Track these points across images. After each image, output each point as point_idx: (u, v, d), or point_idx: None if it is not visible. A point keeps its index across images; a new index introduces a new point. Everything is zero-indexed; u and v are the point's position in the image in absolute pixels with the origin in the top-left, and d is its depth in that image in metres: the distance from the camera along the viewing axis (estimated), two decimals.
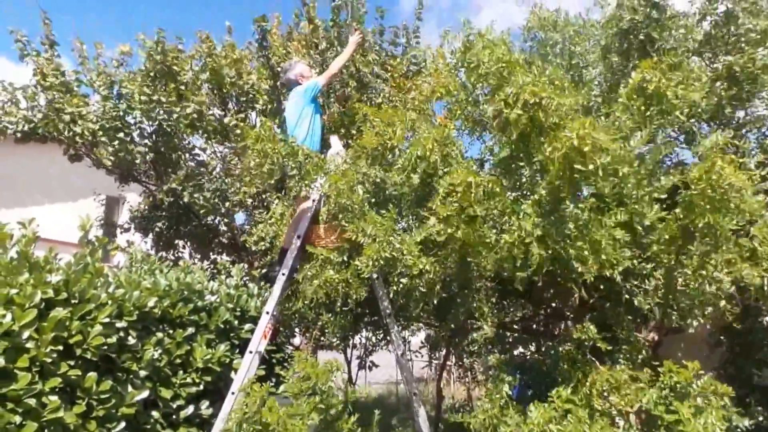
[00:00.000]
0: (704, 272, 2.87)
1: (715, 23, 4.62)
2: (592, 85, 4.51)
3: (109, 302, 3.31)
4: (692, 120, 4.09)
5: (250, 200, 7.42)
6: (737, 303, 3.13)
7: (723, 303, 2.99)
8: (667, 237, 3.02)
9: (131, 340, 3.42)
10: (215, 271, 7.26)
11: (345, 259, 3.56)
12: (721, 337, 5.31)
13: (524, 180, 3.54)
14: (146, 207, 7.69)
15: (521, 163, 3.33)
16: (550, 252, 2.75)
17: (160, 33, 6.74)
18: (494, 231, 2.99)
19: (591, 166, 2.58)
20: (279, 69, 6.58)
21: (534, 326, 5.41)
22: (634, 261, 3.09)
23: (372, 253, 3.10)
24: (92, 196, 9.56)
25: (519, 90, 2.88)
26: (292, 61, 5.34)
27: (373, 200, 3.95)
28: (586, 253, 2.68)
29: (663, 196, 3.24)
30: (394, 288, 3.27)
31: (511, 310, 5.44)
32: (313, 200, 4.37)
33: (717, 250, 2.84)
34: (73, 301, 3.18)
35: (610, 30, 4.53)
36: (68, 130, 6.23)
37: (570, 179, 2.74)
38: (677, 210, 3.00)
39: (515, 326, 5.33)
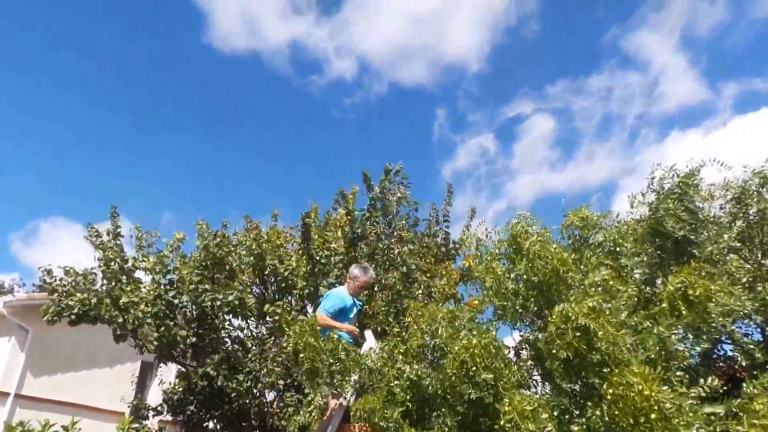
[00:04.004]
0: None
1: (749, 224, 4.80)
2: (630, 280, 4.57)
3: None
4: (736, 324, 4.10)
5: (281, 382, 7.40)
6: None
7: None
8: None
9: None
10: None
11: None
12: None
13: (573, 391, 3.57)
14: (180, 389, 7.72)
15: (566, 384, 3.40)
16: None
17: (224, 226, 7.44)
18: None
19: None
20: (317, 258, 7.05)
21: None
22: None
23: None
24: (129, 362, 9.89)
25: (571, 316, 3.09)
26: (361, 265, 5.48)
27: (407, 398, 3.92)
28: None
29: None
30: None
31: None
32: (345, 397, 4.37)
33: None
34: None
35: (643, 227, 4.73)
36: (120, 316, 6.60)
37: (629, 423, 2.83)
38: None
39: None
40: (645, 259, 4.57)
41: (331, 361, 4.13)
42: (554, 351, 3.41)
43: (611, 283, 3.66)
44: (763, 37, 31.97)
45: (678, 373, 3.36)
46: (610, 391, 2.94)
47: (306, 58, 38.12)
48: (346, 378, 4.14)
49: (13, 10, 27.28)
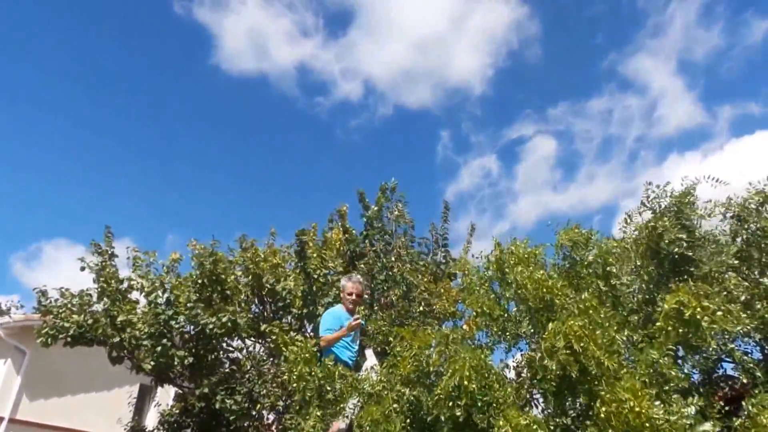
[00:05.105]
0: None
1: (747, 242, 4.80)
2: (628, 298, 4.55)
3: None
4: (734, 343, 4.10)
5: (280, 403, 7.31)
6: None
7: None
8: None
9: None
10: None
11: None
12: None
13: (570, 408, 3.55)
14: (177, 411, 7.63)
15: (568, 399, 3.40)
16: None
17: (214, 244, 7.40)
18: None
19: None
20: (315, 276, 7.04)
21: None
22: None
23: None
24: (127, 385, 9.81)
25: (564, 338, 3.09)
26: (352, 275, 5.57)
27: (408, 421, 3.89)
28: None
29: None
30: None
31: None
32: (346, 419, 4.32)
33: None
34: None
35: (641, 247, 4.72)
36: (116, 336, 6.55)
37: None
38: None
39: None
40: (645, 277, 4.55)
41: (328, 388, 4.09)
42: (547, 371, 3.40)
43: (597, 305, 3.66)
44: (756, 62, 32.50)
45: (674, 396, 3.36)
46: (603, 408, 2.95)
47: (312, 80, 38.53)
48: (342, 405, 4.10)
49: (23, 24, 27.60)
